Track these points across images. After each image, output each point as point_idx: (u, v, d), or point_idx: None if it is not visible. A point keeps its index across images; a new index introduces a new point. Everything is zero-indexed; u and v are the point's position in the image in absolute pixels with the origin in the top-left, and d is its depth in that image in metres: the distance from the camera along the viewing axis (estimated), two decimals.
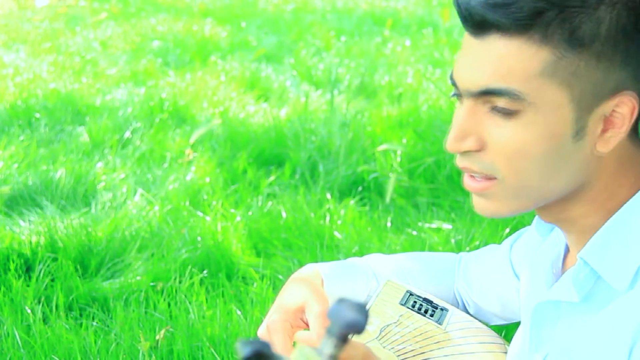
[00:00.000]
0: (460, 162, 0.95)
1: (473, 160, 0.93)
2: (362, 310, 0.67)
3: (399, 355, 1.14)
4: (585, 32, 0.86)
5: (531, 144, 0.89)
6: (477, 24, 0.90)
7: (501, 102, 0.89)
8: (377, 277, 1.28)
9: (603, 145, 0.90)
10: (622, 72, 0.88)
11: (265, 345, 0.64)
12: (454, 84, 0.96)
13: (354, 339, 1.00)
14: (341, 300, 0.68)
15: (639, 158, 0.95)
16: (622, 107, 0.89)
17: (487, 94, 0.90)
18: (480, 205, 0.96)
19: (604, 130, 0.90)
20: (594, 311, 0.91)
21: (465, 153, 0.94)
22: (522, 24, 0.87)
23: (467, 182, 0.96)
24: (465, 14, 0.91)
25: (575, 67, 0.87)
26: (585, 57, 0.87)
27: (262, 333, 1.15)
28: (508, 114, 0.90)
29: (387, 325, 1.18)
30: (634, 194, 0.93)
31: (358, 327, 0.66)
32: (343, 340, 0.67)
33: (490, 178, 0.93)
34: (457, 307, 1.33)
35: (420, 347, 1.16)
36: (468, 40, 0.93)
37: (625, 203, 0.93)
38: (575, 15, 0.86)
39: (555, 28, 0.86)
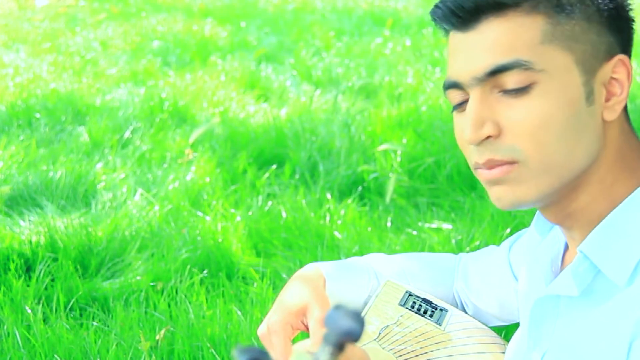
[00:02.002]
0: (480, 157, 0.93)
1: (493, 149, 0.92)
2: (358, 318, 0.67)
3: (398, 356, 1.14)
4: None
5: (551, 113, 0.90)
6: (470, 14, 0.92)
7: (511, 80, 0.90)
8: (378, 277, 1.28)
9: (609, 113, 0.93)
10: (611, 36, 0.93)
11: (263, 353, 0.64)
12: (454, 86, 0.95)
13: (370, 348, 1.00)
14: (338, 307, 0.68)
15: (634, 142, 0.97)
16: (618, 73, 0.93)
17: (496, 72, 0.91)
18: (502, 194, 0.93)
19: (607, 99, 0.93)
20: (594, 306, 0.91)
21: (483, 144, 0.92)
22: None
23: (485, 173, 0.94)
24: (456, 8, 0.93)
25: (571, 31, 0.91)
26: (577, 21, 0.91)
27: (262, 332, 1.15)
28: (520, 91, 0.90)
29: (387, 326, 1.18)
30: (634, 185, 0.94)
31: (354, 336, 0.66)
32: (339, 348, 0.68)
33: (511, 163, 0.92)
34: (456, 308, 1.33)
35: (419, 348, 1.16)
36: (458, 39, 0.95)
37: (625, 194, 0.93)
38: None
39: None
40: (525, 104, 0.90)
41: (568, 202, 0.96)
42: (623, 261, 0.89)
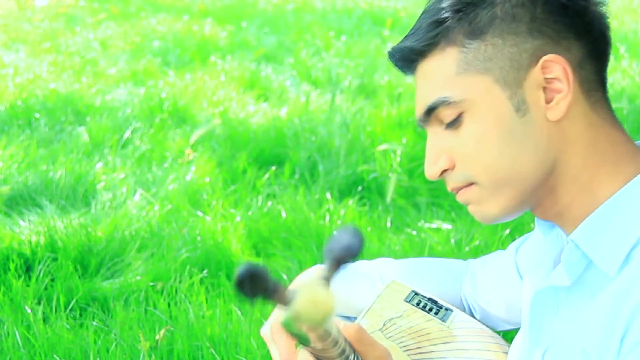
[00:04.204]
0: (448, 186, 1.01)
1: (452, 179, 0.99)
2: (358, 235, 0.69)
3: (401, 347, 1.14)
4: (483, 20, 0.93)
5: (483, 136, 0.94)
6: (402, 62, 1.00)
7: (443, 115, 0.96)
8: (383, 280, 1.28)
9: (554, 112, 0.93)
10: (534, 40, 0.93)
11: (263, 268, 0.66)
12: (419, 125, 1.03)
13: (374, 337, 1.01)
14: (339, 230, 0.70)
15: (615, 135, 0.96)
16: (552, 72, 0.93)
17: (429, 112, 0.97)
18: (475, 212, 1.00)
19: (549, 100, 0.94)
20: (588, 298, 0.92)
21: (444, 176, 1.00)
22: (429, 38, 0.95)
23: (457, 198, 1.01)
24: (393, 59, 1.01)
25: (484, 53, 0.93)
26: (489, 41, 0.93)
27: (265, 333, 1.16)
28: (454, 123, 0.96)
29: (391, 319, 1.18)
30: (619, 179, 0.93)
31: (353, 251, 0.69)
32: (338, 263, 0.70)
33: (469, 185, 0.98)
34: (462, 311, 1.33)
35: (421, 342, 1.16)
36: (413, 83, 1.02)
37: (610, 189, 0.93)
38: (470, 11, 0.94)
39: (456, 29, 0.94)
40: (461, 133, 0.96)
41: (551, 203, 0.97)
42: (613, 251, 0.90)
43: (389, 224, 3.17)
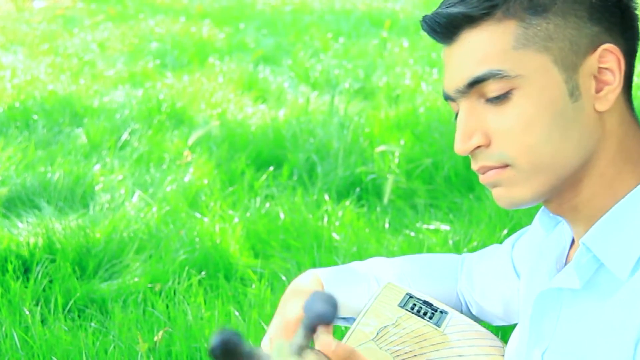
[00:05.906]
0: (474, 164, 0.96)
1: (485, 157, 0.94)
2: (332, 302, 0.69)
3: (395, 356, 1.14)
4: None
5: (534, 116, 0.91)
6: (446, 29, 0.94)
7: (490, 89, 0.92)
8: (379, 281, 1.28)
9: (602, 103, 0.92)
10: (593, 26, 0.91)
11: (235, 334, 0.65)
12: (448, 98, 0.98)
13: (349, 341, 1.01)
14: (314, 294, 0.70)
15: (638, 133, 0.96)
16: (607, 62, 0.92)
17: (474, 84, 0.92)
18: (501, 195, 0.96)
19: (598, 90, 0.92)
20: (596, 300, 0.91)
21: (476, 152, 0.95)
22: (486, 7, 0.91)
23: (482, 178, 0.96)
24: (433, 25, 0.95)
25: (545, 31, 0.91)
26: (551, 19, 0.91)
27: (264, 345, 1.17)
28: (502, 99, 0.92)
29: (385, 327, 1.18)
30: (637, 178, 0.93)
31: (326, 318, 0.69)
32: (312, 330, 0.70)
33: (503, 167, 0.94)
34: (460, 308, 1.33)
35: (417, 349, 1.16)
36: (445, 52, 0.97)
37: (628, 188, 0.93)
38: None
39: (516, 2, 0.91)
40: (507, 110, 0.91)
41: (571, 195, 0.95)
42: (625, 254, 0.89)
43: (387, 225, 3.17)
